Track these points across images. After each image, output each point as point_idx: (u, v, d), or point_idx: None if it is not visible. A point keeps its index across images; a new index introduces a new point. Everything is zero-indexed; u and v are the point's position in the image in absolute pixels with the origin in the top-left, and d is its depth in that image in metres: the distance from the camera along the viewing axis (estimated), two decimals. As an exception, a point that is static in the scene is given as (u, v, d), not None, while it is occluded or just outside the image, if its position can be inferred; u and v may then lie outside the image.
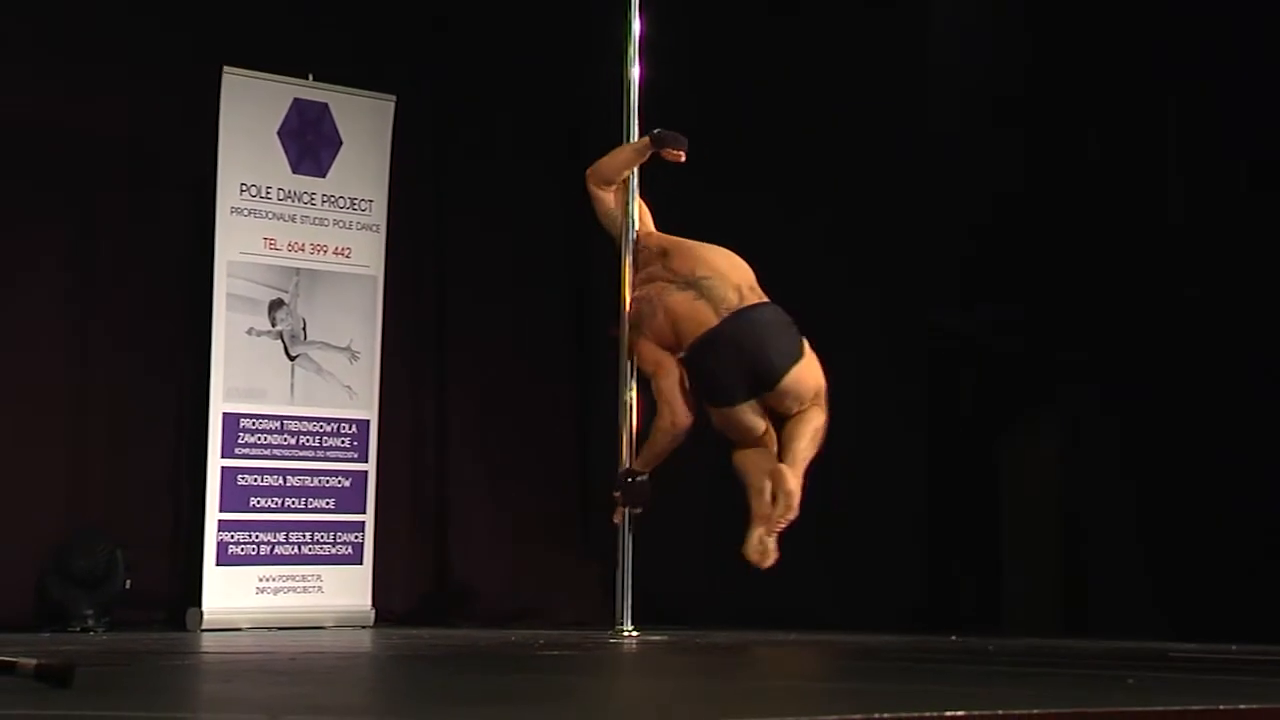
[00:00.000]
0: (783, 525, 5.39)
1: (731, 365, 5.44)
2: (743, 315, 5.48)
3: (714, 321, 5.47)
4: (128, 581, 6.06)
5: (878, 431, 6.94)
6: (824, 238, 7.06)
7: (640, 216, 5.79)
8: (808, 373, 5.47)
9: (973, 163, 6.93)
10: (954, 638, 5.59)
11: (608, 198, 5.77)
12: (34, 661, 3.23)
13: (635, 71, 5.78)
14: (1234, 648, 5.18)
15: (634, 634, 5.56)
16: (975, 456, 7.08)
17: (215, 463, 6.22)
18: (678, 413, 5.51)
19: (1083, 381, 6.95)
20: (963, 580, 6.99)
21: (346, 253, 6.51)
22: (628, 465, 5.63)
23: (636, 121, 5.77)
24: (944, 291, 7.08)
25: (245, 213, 6.31)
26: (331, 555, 6.38)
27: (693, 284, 5.55)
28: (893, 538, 6.99)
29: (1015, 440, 7.06)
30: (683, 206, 6.71)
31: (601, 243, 6.19)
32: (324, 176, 6.49)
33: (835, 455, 6.96)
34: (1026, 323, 6.96)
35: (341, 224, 6.51)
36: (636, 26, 5.81)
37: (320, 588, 6.36)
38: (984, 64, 6.91)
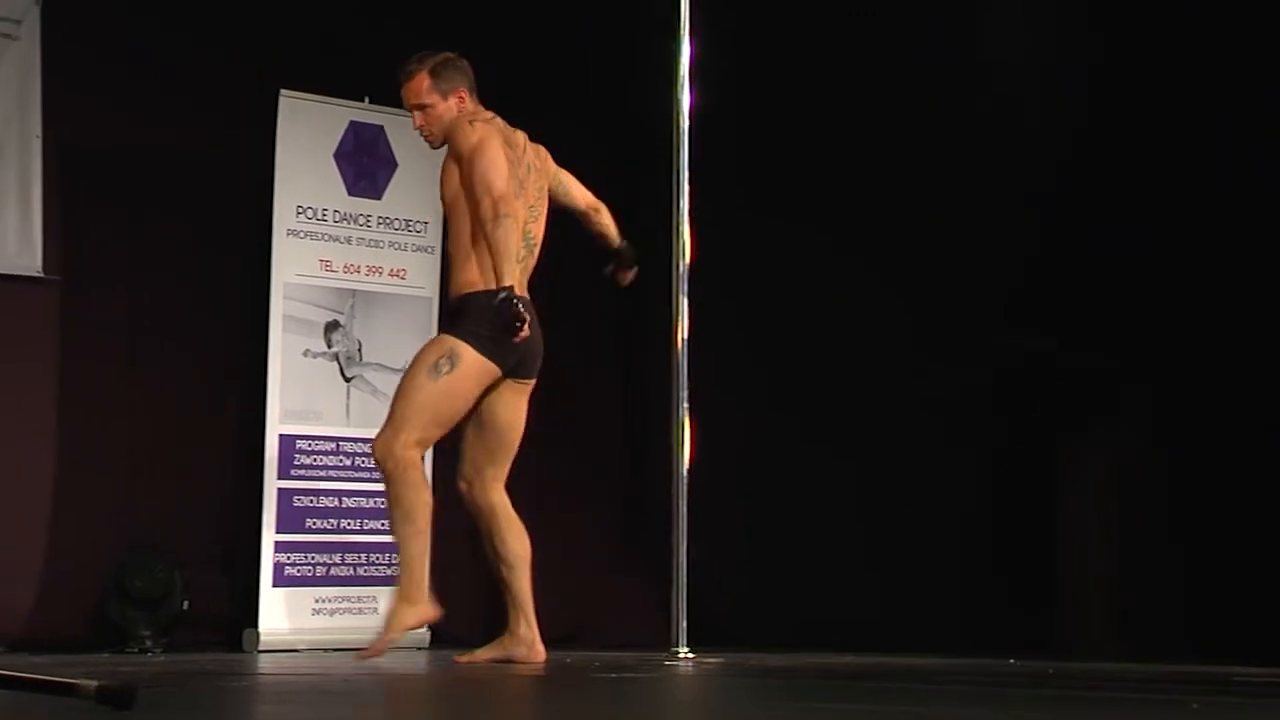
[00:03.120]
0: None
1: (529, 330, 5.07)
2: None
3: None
4: (185, 603, 6.10)
5: (933, 451, 6.91)
6: (875, 257, 7.03)
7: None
8: None
9: (1028, 178, 6.90)
10: (1012, 661, 5.55)
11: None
12: (95, 683, 3.25)
13: (685, 96, 5.78)
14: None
15: (690, 656, 5.55)
16: (1033, 477, 7.03)
17: (271, 484, 6.27)
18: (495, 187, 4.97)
19: (1142, 403, 6.90)
20: (1019, 601, 6.94)
21: (402, 274, 6.55)
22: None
23: (686, 145, 5.76)
24: (1002, 310, 7.04)
25: (301, 235, 6.36)
26: (387, 577, 6.40)
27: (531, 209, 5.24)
28: (947, 558, 6.96)
29: (1074, 461, 7.01)
30: (730, 229, 6.73)
31: (651, 262, 6.20)
32: (379, 198, 6.54)
33: (891, 475, 6.98)
34: (1089, 343, 6.92)
35: (397, 245, 6.55)
36: (686, 50, 5.81)
37: (376, 609, 6.38)
38: (1044, 76, 6.88)
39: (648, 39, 6.24)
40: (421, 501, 5.03)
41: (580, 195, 5.52)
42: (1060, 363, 6.96)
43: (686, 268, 5.78)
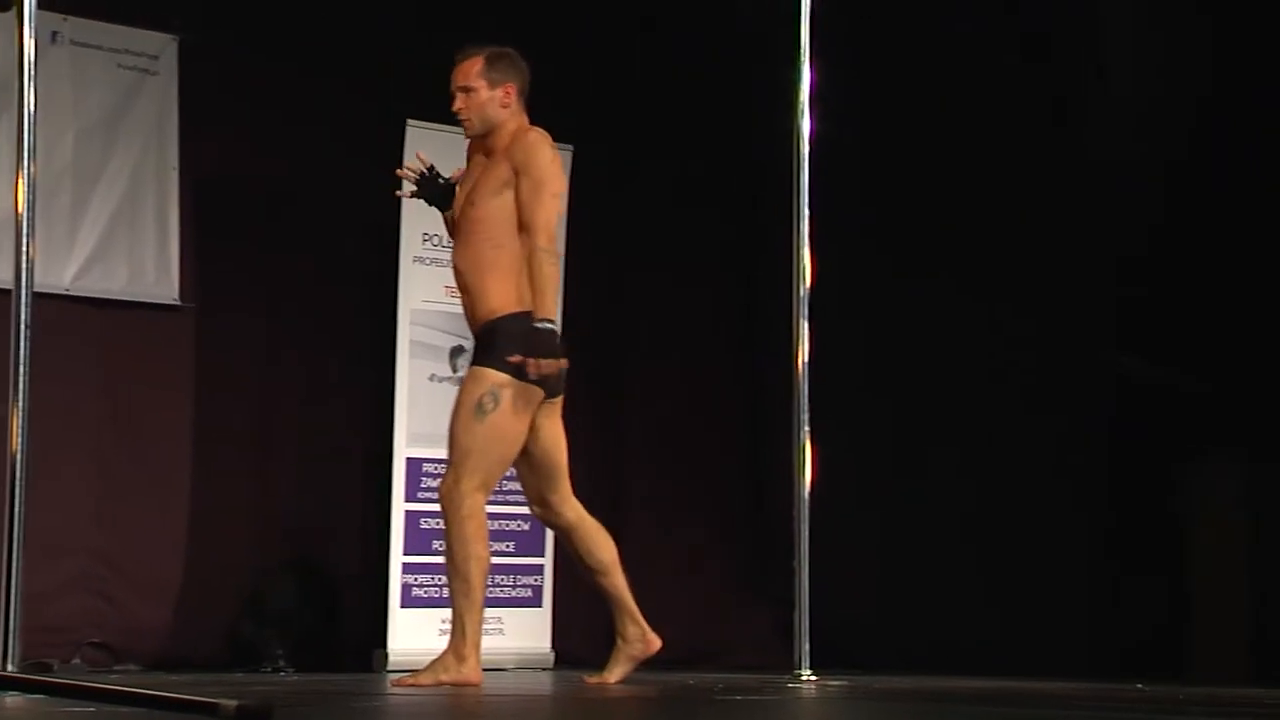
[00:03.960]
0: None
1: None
2: None
3: None
4: (316, 623, 6.23)
5: (1053, 474, 6.88)
6: (993, 282, 7.02)
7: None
8: None
9: (1146, 204, 6.86)
10: (1139, 686, 5.51)
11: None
12: (234, 703, 3.33)
13: (805, 123, 5.82)
14: None
15: (812, 678, 5.58)
16: (1156, 499, 6.98)
17: (399, 506, 6.39)
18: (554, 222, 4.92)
19: (1268, 423, 6.82)
20: (1143, 625, 6.88)
21: (524, 300, 6.64)
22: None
23: (807, 173, 5.80)
24: (1125, 333, 7.00)
25: (427, 261, 6.48)
26: (511, 598, 6.49)
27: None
28: (1068, 581, 6.92)
29: (1198, 483, 6.94)
30: (850, 254, 6.76)
31: (772, 289, 6.25)
32: (503, 226, 6.62)
33: (1011, 498, 6.95)
34: (1211, 365, 6.86)
35: (519, 272, 6.64)
36: (807, 78, 5.85)
37: (501, 630, 6.48)
38: (1161, 102, 6.84)
39: (769, 67, 6.29)
40: (474, 556, 4.88)
41: None
42: (1183, 385, 6.90)
43: (807, 292, 5.81)
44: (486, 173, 5.09)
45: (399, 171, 5.26)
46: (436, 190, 5.22)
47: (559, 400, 5.12)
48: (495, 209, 5.01)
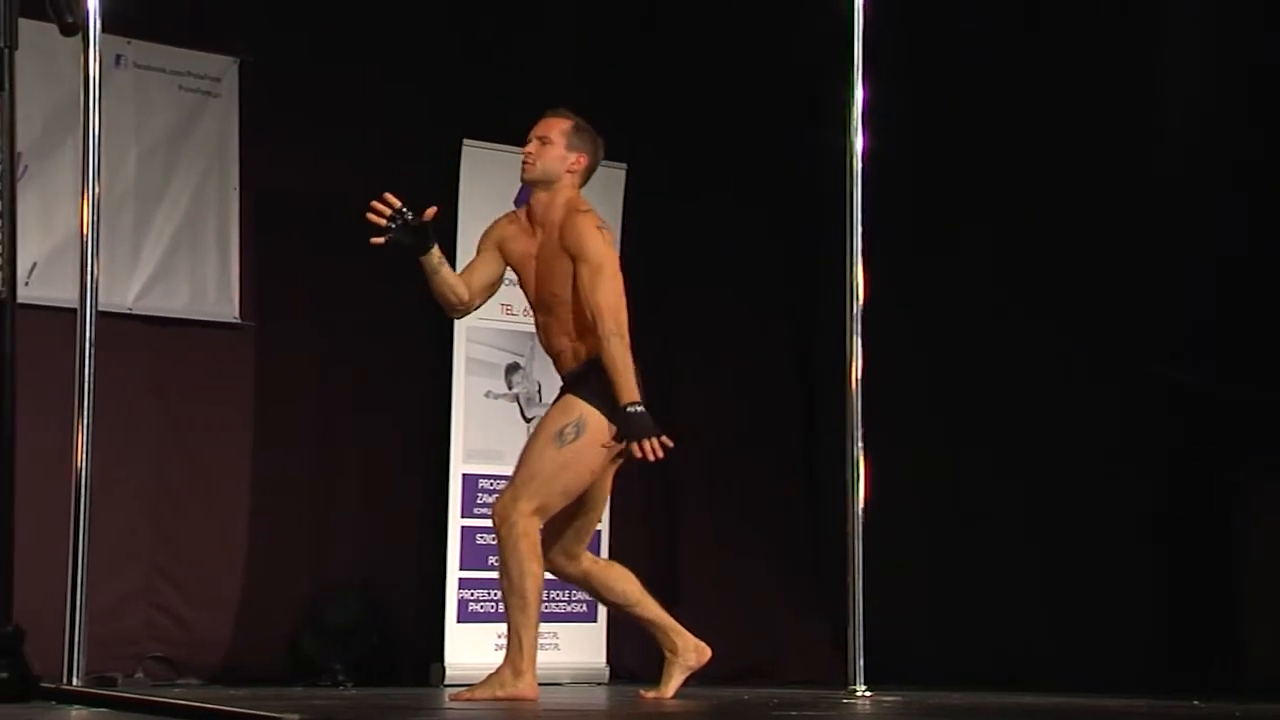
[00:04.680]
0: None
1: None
2: None
3: None
4: (375, 637, 6.29)
5: (1109, 488, 6.86)
6: (1046, 294, 7.01)
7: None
8: None
9: (1198, 215, 6.84)
10: (1196, 703, 5.49)
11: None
12: (296, 716, 3.38)
13: (859, 140, 5.85)
14: None
15: (867, 693, 5.59)
16: (1213, 513, 6.95)
17: (456, 522, 6.45)
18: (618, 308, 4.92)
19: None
20: (1199, 641, 6.85)
21: (580, 318, 6.69)
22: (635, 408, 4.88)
23: (859, 189, 5.83)
24: (1181, 342, 6.98)
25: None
26: (566, 613, 6.53)
27: None
28: (1125, 596, 6.90)
29: (1256, 496, 6.91)
30: (903, 270, 6.78)
31: (827, 304, 6.27)
32: (558, 244, 6.68)
33: (1067, 512, 6.94)
34: (1265, 374, 6.83)
35: (575, 289, 6.68)
36: (859, 94, 5.88)
37: (557, 645, 6.52)
38: (1220, 114, 6.82)
39: (821, 84, 6.32)
40: (530, 574, 4.88)
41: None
42: (1237, 394, 6.87)
43: (860, 308, 5.83)
44: (549, 254, 5.10)
45: (368, 215, 5.08)
46: (408, 233, 5.10)
47: (620, 461, 5.14)
48: (566, 292, 5.06)
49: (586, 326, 5.03)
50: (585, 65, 7.09)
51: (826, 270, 6.20)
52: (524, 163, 5.15)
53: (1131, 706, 5.36)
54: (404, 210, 5.05)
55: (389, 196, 5.07)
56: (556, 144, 5.11)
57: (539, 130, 5.16)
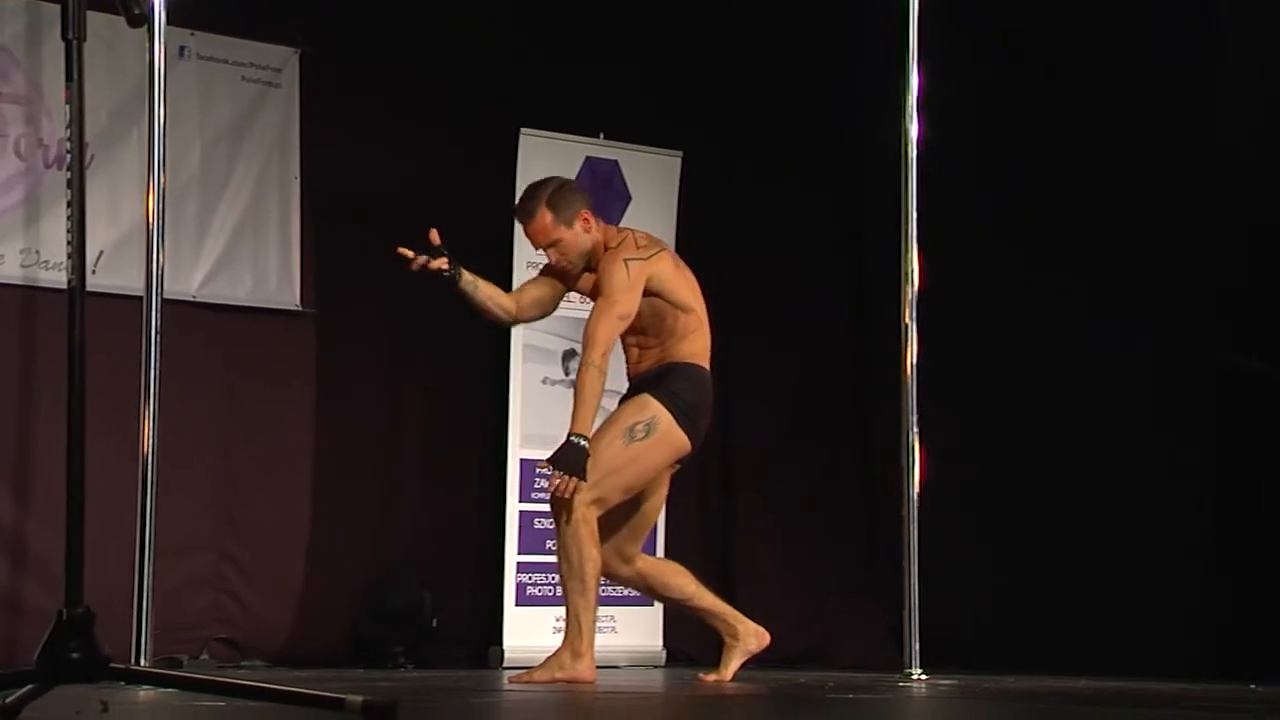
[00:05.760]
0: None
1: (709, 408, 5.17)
2: None
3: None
4: (435, 621, 6.37)
5: (1166, 472, 6.85)
6: (1104, 282, 7.00)
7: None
8: None
9: (1260, 201, 6.80)
10: (1253, 687, 5.49)
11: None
12: (361, 698, 3.44)
13: (914, 127, 5.87)
14: None
15: (923, 677, 5.62)
16: (1270, 496, 6.93)
17: (514, 506, 6.52)
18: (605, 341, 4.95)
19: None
20: (1257, 624, 6.83)
21: (636, 304, 6.73)
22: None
23: (915, 176, 5.85)
24: (1235, 332, 6.95)
25: (540, 266, 6.57)
26: (624, 596, 6.59)
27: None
28: (1181, 580, 6.89)
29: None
30: (961, 257, 6.79)
31: (882, 294, 6.29)
32: (614, 231, 6.73)
33: (1123, 496, 6.93)
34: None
35: (631, 276, 6.73)
36: (915, 81, 5.90)
37: (614, 628, 6.58)
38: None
39: (877, 70, 6.34)
40: (590, 558, 4.93)
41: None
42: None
43: (915, 294, 5.86)
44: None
45: (399, 250, 5.21)
46: (440, 279, 5.23)
47: (677, 467, 5.23)
48: (650, 320, 5.13)
49: (666, 331, 5.12)
50: (642, 52, 7.13)
51: (882, 257, 6.22)
52: (564, 269, 5.23)
53: (1187, 691, 5.36)
54: (440, 246, 5.19)
55: (433, 233, 5.19)
56: (561, 234, 5.16)
57: (538, 241, 5.22)
